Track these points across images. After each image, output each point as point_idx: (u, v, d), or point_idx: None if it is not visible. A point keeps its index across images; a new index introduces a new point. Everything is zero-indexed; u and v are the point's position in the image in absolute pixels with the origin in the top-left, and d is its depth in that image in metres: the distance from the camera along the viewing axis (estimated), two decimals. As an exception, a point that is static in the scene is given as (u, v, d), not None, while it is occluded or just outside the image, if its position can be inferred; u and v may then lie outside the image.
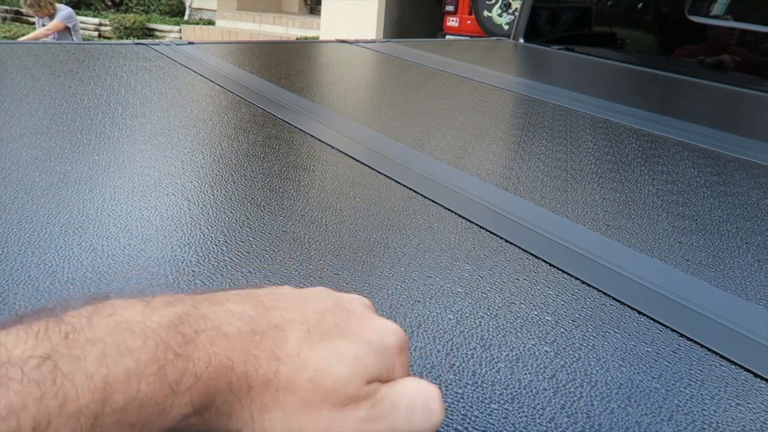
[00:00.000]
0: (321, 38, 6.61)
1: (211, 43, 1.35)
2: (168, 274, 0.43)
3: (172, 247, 0.47)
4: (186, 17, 8.52)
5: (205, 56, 1.21)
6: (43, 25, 5.59)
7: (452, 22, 7.01)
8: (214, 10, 8.60)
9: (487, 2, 6.48)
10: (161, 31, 8.10)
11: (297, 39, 7.34)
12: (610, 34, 1.85)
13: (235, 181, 0.62)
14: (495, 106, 1.11)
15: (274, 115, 0.86)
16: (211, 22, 8.48)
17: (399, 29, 7.30)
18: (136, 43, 1.23)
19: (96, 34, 7.93)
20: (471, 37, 6.85)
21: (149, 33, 8.07)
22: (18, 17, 8.54)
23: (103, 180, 0.58)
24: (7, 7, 8.68)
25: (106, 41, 1.33)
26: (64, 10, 5.58)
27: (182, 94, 0.95)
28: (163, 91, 0.94)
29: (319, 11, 10.69)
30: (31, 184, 0.56)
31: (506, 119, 1.05)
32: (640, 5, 1.82)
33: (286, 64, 1.27)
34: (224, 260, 0.46)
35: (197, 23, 8.37)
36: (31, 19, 8.40)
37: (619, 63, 1.71)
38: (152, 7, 8.52)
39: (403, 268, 0.48)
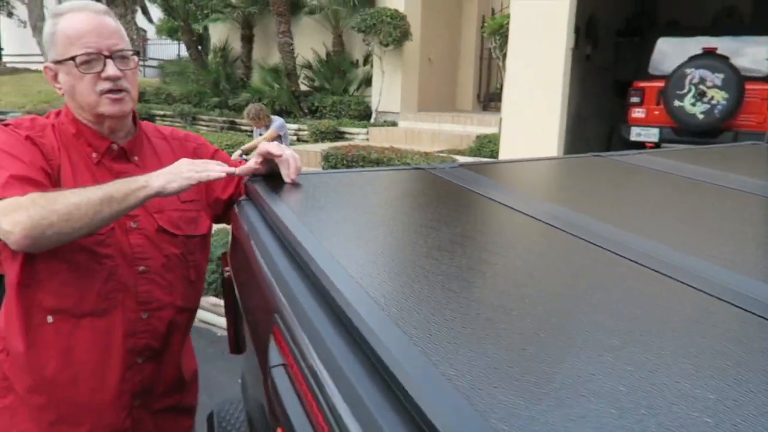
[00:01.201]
0: (503, 135, 6.77)
1: (474, 162, 1.46)
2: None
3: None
4: (372, 120, 9.28)
5: (478, 177, 1.31)
6: (260, 134, 6.42)
7: (638, 113, 6.82)
8: (397, 113, 9.27)
9: (678, 92, 6.24)
10: (351, 133, 8.89)
11: (477, 136, 7.60)
12: None
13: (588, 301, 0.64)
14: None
15: (570, 234, 0.90)
16: (394, 124, 9.14)
17: (578, 122, 7.26)
18: (415, 168, 1.37)
19: (295, 137, 8.91)
20: (659, 127, 6.58)
21: (340, 135, 8.89)
22: (233, 126, 9.93)
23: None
24: (224, 118, 10.15)
25: (388, 167, 1.49)
26: (277, 121, 6.39)
27: (484, 217, 1.03)
28: (472, 216, 1.03)
29: (492, 107, 11.06)
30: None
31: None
32: None
33: (548, 178, 1.33)
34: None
35: (382, 125, 9.07)
36: (243, 127, 9.75)
37: None
38: (342, 113, 9.44)
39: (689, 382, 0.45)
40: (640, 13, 9.09)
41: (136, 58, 1.29)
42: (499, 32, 7.53)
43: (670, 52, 6.71)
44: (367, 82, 9.90)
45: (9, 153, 1.17)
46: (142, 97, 12.07)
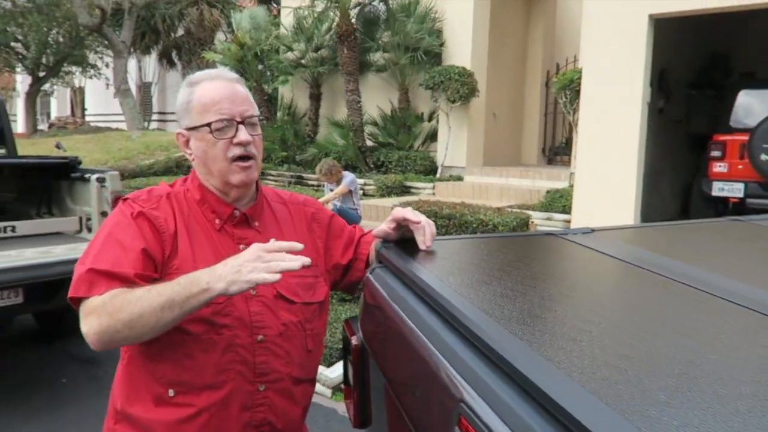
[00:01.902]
0: (576, 190, 6.63)
1: (607, 228, 1.38)
2: None
3: None
4: (438, 175, 9.30)
5: (620, 244, 1.23)
6: (331, 190, 6.51)
7: (719, 167, 6.55)
8: (463, 167, 9.27)
9: (764, 145, 5.97)
10: (417, 187, 8.92)
11: (547, 191, 7.47)
12: None
13: None
14: None
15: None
16: (460, 178, 9.13)
17: (652, 176, 7.04)
18: (546, 234, 1.30)
19: (361, 192, 9.00)
20: (744, 182, 6.29)
21: (406, 190, 8.93)
22: (300, 181, 10.16)
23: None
24: (292, 173, 10.40)
25: (518, 233, 1.43)
26: (348, 176, 6.46)
27: (662, 291, 0.95)
28: (646, 289, 0.95)
29: (558, 161, 10.92)
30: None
31: None
32: None
33: (698, 245, 1.24)
34: None
35: (448, 180, 9.07)
36: (310, 181, 9.96)
37: None
38: (408, 168, 9.51)
39: None
40: (711, 65, 8.88)
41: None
42: (569, 87, 7.49)
43: (752, 104, 6.49)
44: (432, 137, 9.99)
45: (114, 237, 1.19)
46: (213, 152, 12.55)
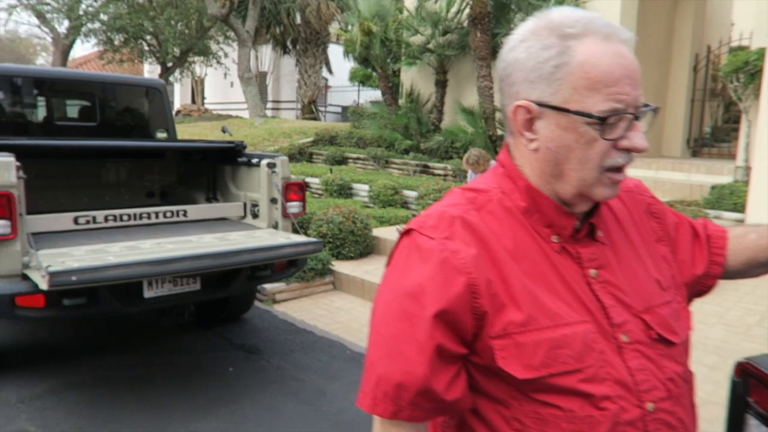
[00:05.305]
0: (754, 186, 5.84)
1: None
2: None
3: None
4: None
5: None
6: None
7: None
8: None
9: None
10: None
11: (712, 187, 6.69)
12: None
13: None
14: None
15: None
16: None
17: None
18: None
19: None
20: None
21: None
22: (425, 170, 9.87)
23: None
24: (417, 162, 10.13)
25: None
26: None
27: None
28: None
29: (704, 153, 9.90)
30: None
31: None
32: None
33: None
34: None
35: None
36: (436, 171, 9.66)
37: None
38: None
39: None
40: None
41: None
42: (743, 70, 6.64)
43: None
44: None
45: (399, 331, 0.83)
46: (334, 140, 12.58)
